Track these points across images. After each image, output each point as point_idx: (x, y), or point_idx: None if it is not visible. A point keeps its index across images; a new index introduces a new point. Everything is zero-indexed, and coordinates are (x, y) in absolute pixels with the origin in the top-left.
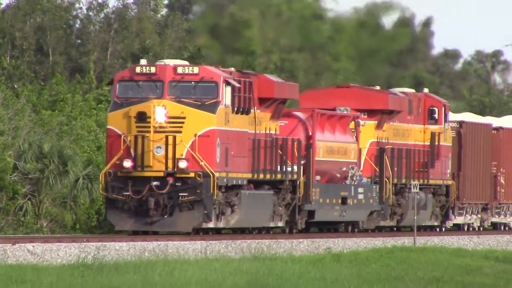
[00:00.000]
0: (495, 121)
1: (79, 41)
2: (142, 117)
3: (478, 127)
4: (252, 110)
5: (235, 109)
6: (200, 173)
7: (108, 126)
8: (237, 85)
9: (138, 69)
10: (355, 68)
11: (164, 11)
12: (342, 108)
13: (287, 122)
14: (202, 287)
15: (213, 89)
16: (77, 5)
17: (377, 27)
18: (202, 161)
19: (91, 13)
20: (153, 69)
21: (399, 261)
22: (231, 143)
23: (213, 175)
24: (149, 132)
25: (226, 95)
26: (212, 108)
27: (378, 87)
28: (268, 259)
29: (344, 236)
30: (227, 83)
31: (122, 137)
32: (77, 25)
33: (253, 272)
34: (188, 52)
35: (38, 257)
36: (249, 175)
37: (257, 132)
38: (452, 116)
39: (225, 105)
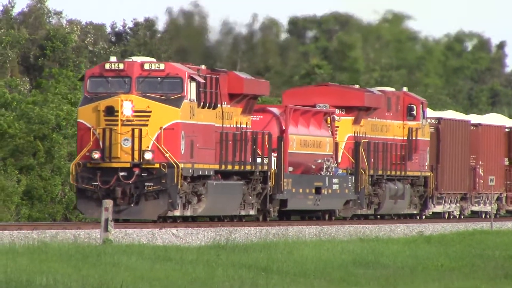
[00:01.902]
0: (476, 119)
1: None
2: (110, 111)
3: (456, 123)
4: (219, 105)
5: (201, 103)
6: (165, 164)
7: (78, 120)
8: (201, 80)
9: (107, 66)
10: (443, 83)
11: (285, 35)
12: (321, 105)
13: (261, 117)
14: (316, 263)
15: (178, 85)
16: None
17: (462, 50)
18: (167, 152)
19: (221, 37)
20: (121, 66)
21: (479, 242)
22: (196, 136)
23: (177, 166)
24: (116, 125)
25: (191, 90)
26: (176, 102)
27: (357, 86)
28: (371, 240)
29: (434, 222)
30: (192, 78)
31: (92, 130)
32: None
33: (358, 251)
34: (304, 69)
35: (181, 239)
36: (216, 166)
37: (225, 125)
38: (432, 113)
39: (190, 99)
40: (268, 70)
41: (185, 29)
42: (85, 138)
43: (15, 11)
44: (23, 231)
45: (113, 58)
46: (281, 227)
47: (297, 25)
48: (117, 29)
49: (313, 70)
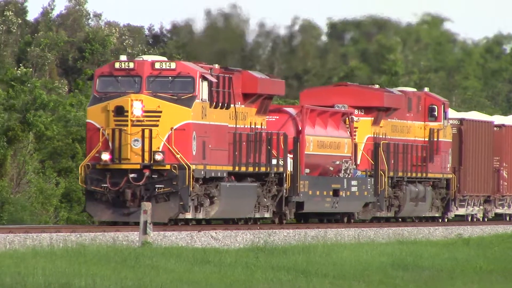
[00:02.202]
0: (500, 120)
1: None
2: (120, 111)
3: (479, 124)
4: (232, 105)
5: (214, 103)
6: (176, 165)
7: (88, 120)
8: (214, 80)
9: (117, 65)
10: (481, 85)
11: (324, 38)
12: (340, 105)
13: (277, 117)
14: (354, 266)
15: (190, 84)
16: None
17: (500, 52)
18: (178, 153)
19: (259, 39)
20: (131, 65)
21: None
22: (209, 137)
23: (189, 167)
24: (126, 125)
25: (202, 89)
26: (188, 102)
27: (377, 86)
28: (409, 243)
29: (472, 224)
30: (204, 78)
31: (101, 130)
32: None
33: (397, 254)
34: (343, 71)
35: (220, 241)
36: (230, 168)
37: (239, 126)
38: (454, 114)
39: (201, 99)
40: (307, 73)
41: (224, 31)
42: (94, 139)
43: (54, 13)
44: (62, 234)
45: (123, 57)
46: (319, 229)
47: (336, 28)
48: (154, 32)
49: (352, 72)
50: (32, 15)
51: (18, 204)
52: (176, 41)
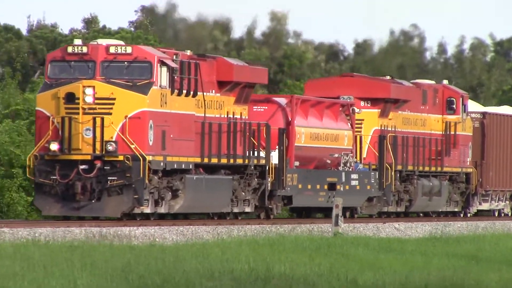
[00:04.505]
0: None
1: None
2: (71, 98)
3: (503, 117)
4: (200, 93)
5: (176, 90)
6: (129, 156)
7: (37, 108)
8: (174, 65)
9: (70, 49)
10: None
11: (491, 55)
12: (345, 97)
13: (266, 108)
14: None
15: (147, 69)
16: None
17: None
18: (132, 144)
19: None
20: (85, 49)
21: None
22: (170, 126)
23: (144, 158)
24: (77, 114)
25: (161, 75)
26: (144, 89)
27: (388, 77)
28: None
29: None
30: (163, 63)
31: (51, 118)
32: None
33: None
34: (509, 85)
35: (402, 232)
36: (197, 159)
37: (210, 115)
38: (477, 108)
39: (160, 86)
40: (481, 86)
41: (404, 47)
42: (44, 128)
43: (257, 32)
44: (263, 226)
45: (77, 41)
46: (489, 221)
47: (503, 45)
48: (333, 49)
49: None
50: (236, 33)
51: None
52: (362, 56)
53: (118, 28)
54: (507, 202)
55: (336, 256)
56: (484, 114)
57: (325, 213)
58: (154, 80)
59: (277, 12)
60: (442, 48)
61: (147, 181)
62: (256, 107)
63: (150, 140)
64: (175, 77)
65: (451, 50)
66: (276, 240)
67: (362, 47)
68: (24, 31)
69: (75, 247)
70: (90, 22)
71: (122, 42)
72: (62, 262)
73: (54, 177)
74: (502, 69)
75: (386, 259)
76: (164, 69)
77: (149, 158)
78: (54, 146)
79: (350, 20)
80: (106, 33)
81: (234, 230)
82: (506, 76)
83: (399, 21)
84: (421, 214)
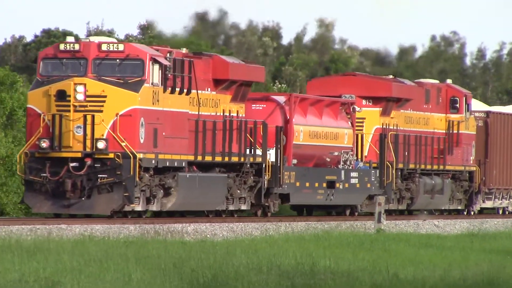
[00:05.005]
0: None
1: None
2: (62, 96)
3: (507, 117)
4: (194, 91)
5: (169, 88)
6: (120, 154)
7: (28, 105)
8: (166, 63)
9: (62, 46)
10: None
11: None
12: (347, 95)
13: (264, 106)
14: None
15: (139, 67)
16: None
17: None
18: (123, 141)
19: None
20: (77, 46)
21: None
22: (162, 124)
23: (134, 156)
24: (68, 111)
25: (153, 73)
26: (135, 86)
27: (391, 76)
28: None
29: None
30: (155, 61)
31: (42, 116)
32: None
33: None
34: None
35: (441, 228)
36: (190, 157)
37: (204, 113)
38: (480, 107)
39: (152, 83)
40: None
41: (444, 53)
42: (35, 125)
43: (306, 38)
44: (309, 222)
45: (70, 38)
46: None
47: None
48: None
49: None
50: (285, 39)
51: None
52: (405, 61)
53: (172, 34)
54: (511, 200)
55: (378, 252)
56: (487, 113)
57: (325, 211)
58: (146, 77)
59: (325, 19)
60: (481, 54)
61: (137, 179)
62: (254, 105)
63: (141, 138)
64: (168, 75)
65: (489, 55)
66: (321, 236)
67: (404, 52)
68: (82, 37)
69: (130, 243)
70: (146, 28)
71: (114, 40)
72: (117, 257)
73: (44, 174)
74: None
75: (426, 255)
76: (157, 66)
77: (139, 155)
78: (44, 144)
79: (393, 27)
80: (163, 39)
81: (281, 227)
82: None
83: (439, 27)
84: (425, 212)
